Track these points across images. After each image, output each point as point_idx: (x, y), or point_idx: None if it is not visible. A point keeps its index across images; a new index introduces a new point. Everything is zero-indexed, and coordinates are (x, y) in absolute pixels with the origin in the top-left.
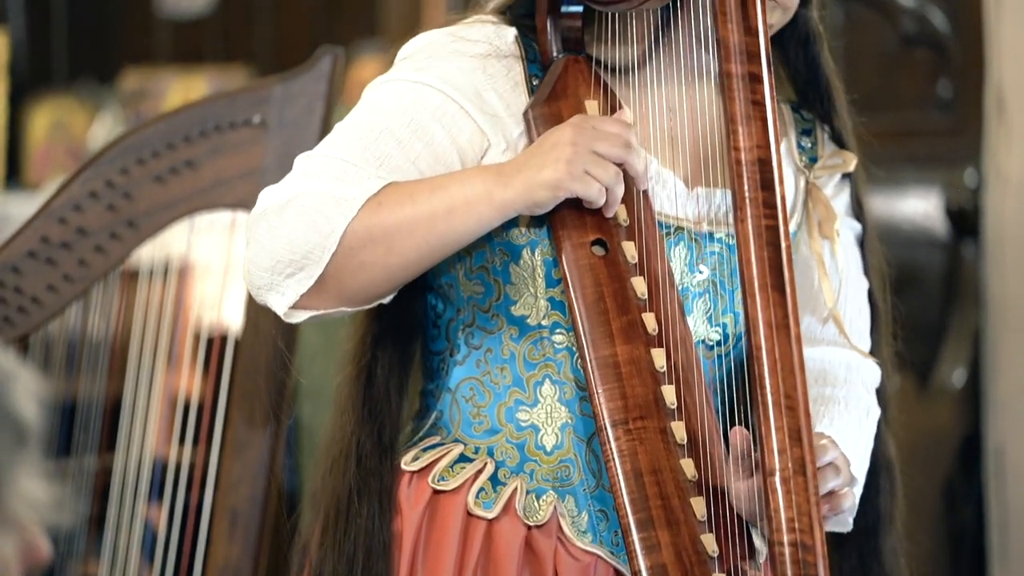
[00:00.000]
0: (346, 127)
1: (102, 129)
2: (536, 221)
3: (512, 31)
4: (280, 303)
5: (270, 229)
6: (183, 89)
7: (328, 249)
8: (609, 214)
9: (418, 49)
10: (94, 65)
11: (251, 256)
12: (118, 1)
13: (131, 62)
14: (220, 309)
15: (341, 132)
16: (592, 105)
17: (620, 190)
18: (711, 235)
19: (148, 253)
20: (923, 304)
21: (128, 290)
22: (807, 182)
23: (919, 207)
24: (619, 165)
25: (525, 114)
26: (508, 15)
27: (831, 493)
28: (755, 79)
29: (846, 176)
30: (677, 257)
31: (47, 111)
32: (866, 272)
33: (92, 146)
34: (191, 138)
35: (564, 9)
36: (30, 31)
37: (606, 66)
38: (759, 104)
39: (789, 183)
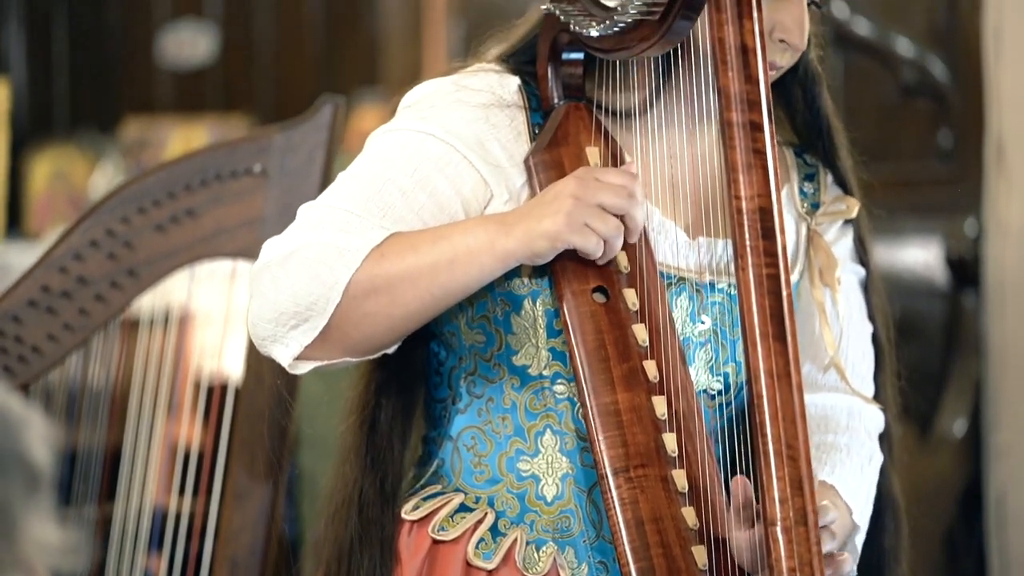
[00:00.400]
0: (349, 177)
1: (103, 178)
2: (537, 271)
3: (515, 80)
4: (284, 354)
5: (274, 280)
6: (184, 138)
7: (332, 300)
8: (602, 262)
9: (421, 98)
10: (95, 114)
11: (255, 308)
12: (120, 51)
13: (132, 111)
14: (221, 358)
15: (344, 182)
16: (593, 152)
17: (618, 243)
18: (713, 285)
19: (148, 302)
20: (924, 353)
21: (128, 339)
22: (809, 229)
23: (919, 256)
24: (620, 217)
25: (526, 161)
26: (511, 63)
27: (830, 556)
28: (756, 127)
29: (849, 220)
30: (679, 308)
31: (48, 160)
32: (870, 316)
33: (93, 195)
34: (192, 187)
35: (565, 56)
36: (31, 80)
37: (608, 112)
38: (760, 153)
39: (791, 230)
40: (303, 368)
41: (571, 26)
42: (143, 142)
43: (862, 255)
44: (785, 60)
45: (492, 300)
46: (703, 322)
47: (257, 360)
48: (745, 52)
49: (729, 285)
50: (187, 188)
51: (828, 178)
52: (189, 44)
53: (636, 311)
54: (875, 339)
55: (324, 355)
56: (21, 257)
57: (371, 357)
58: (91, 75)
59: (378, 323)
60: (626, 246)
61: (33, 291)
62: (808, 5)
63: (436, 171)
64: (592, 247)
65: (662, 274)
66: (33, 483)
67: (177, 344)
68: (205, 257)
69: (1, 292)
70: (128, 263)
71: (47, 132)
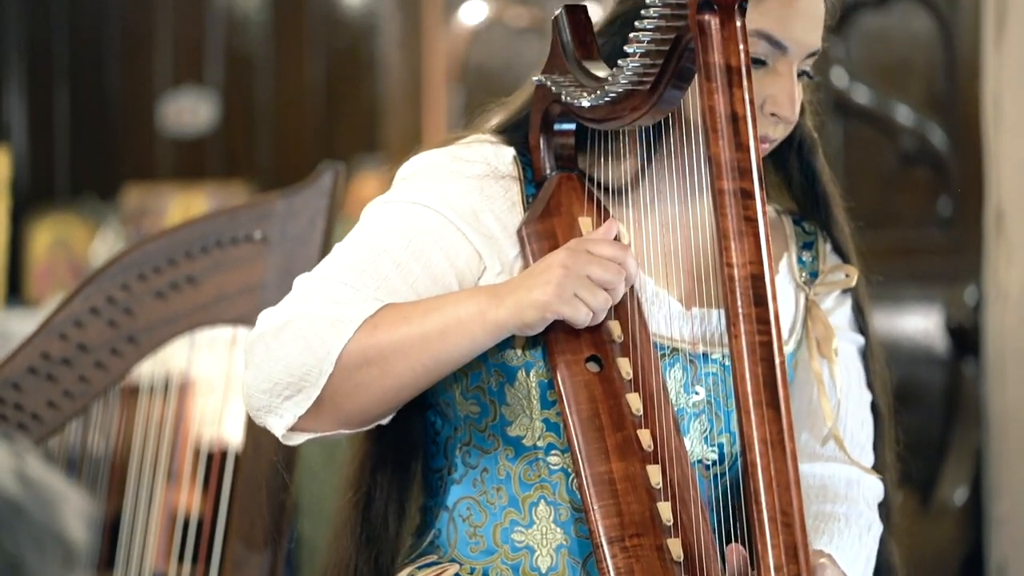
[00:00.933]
0: (345, 248)
1: (103, 245)
2: (531, 342)
3: (510, 151)
4: (278, 425)
5: (267, 351)
6: (183, 205)
7: (325, 372)
8: (588, 326)
9: (417, 170)
10: (96, 181)
11: (249, 378)
12: (121, 118)
13: (133, 178)
14: (220, 425)
15: (340, 253)
16: (586, 222)
17: (603, 315)
18: (707, 356)
19: (148, 369)
20: (924, 421)
21: (128, 406)
22: (807, 298)
23: (920, 324)
24: (608, 290)
25: (519, 231)
26: (507, 135)
27: None
28: (747, 195)
29: (848, 288)
30: (673, 379)
31: (49, 228)
32: (869, 384)
33: (93, 262)
34: (192, 254)
35: (557, 127)
36: (33, 147)
37: (600, 183)
38: (751, 220)
39: (789, 299)
40: (298, 439)
41: (562, 96)
42: (143, 209)
43: (861, 323)
44: (778, 133)
45: (486, 371)
46: (697, 393)
47: (256, 427)
48: (735, 120)
49: (724, 356)
50: (187, 255)
51: (827, 246)
52: (190, 111)
53: (630, 380)
54: (874, 408)
55: (318, 426)
56: (21, 324)
57: (366, 428)
58: (92, 142)
59: (371, 394)
60: (619, 315)
61: (33, 358)
62: (800, 76)
63: (431, 243)
64: (581, 318)
65: (656, 344)
66: (69, 561)
67: (177, 411)
68: (205, 324)
69: (1, 359)
70: (128, 330)
71: (48, 199)
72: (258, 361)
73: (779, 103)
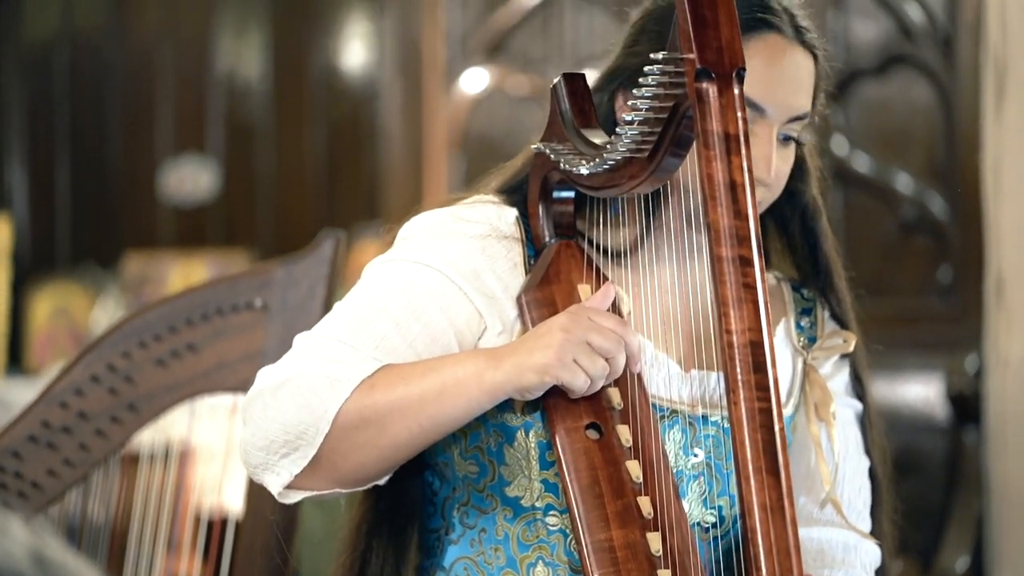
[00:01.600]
0: (345, 307)
1: (104, 314)
2: (530, 404)
3: (513, 212)
4: (275, 483)
5: (265, 409)
6: (183, 273)
7: (321, 430)
8: (587, 394)
9: (419, 230)
10: (96, 250)
11: (247, 436)
12: (122, 186)
13: (134, 246)
14: (220, 493)
15: (339, 312)
16: (585, 289)
17: (601, 383)
18: (706, 418)
19: (149, 437)
20: (925, 490)
21: (128, 474)
22: (805, 363)
23: (920, 392)
24: (607, 360)
25: (518, 299)
26: (507, 196)
27: None
28: (746, 262)
29: (846, 354)
30: (672, 440)
31: (49, 296)
32: (867, 450)
33: (94, 330)
34: (193, 321)
35: (556, 195)
36: (34, 216)
37: (600, 248)
38: (750, 287)
39: (787, 364)
40: (294, 497)
41: (561, 164)
42: (144, 277)
43: (859, 390)
44: (760, 196)
45: (485, 431)
46: (696, 455)
47: (257, 495)
48: (734, 188)
49: (723, 418)
50: (188, 322)
51: (825, 313)
52: (191, 179)
53: (629, 447)
54: (872, 474)
55: (315, 485)
56: (22, 393)
57: (362, 488)
58: (93, 210)
59: (367, 454)
60: (619, 381)
61: (34, 426)
62: (787, 140)
63: (431, 302)
64: (579, 384)
65: (655, 406)
66: None
67: (177, 479)
68: (206, 391)
69: (1, 428)
70: (129, 398)
71: (49, 268)
72: (256, 419)
73: (756, 165)
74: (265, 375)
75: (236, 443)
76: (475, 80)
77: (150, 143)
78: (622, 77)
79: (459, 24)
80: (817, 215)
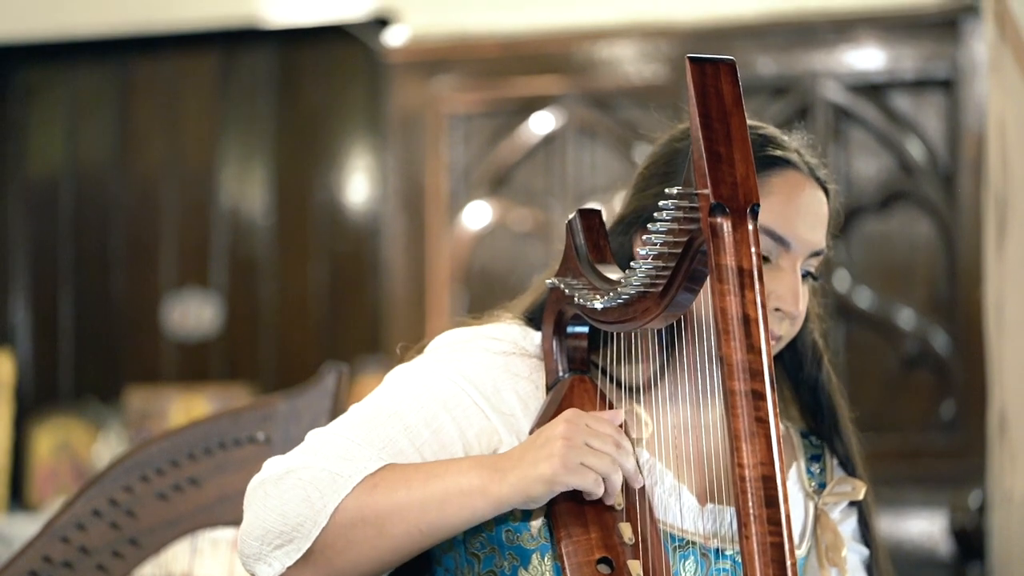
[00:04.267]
0: (359, 408)
1: (105, 448)
2: (547, 527)
3: (538, 335)
4: (266, 574)
5: (265, 498)
6: (185, 408)
7: (318, 524)
8: (610, 502)
9: (443, 344)
10: (98, 384)
11: (245, 524)
12: (124, 321)
13: (136, 381)
14: None
15: (353, 412)
16: None
17: (617, 478)
18: (720, 552)
19: (150, 571)
20: None
21: None
22: (816, 507)
23: (924, 528)
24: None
25: (531, 432)
26: (531, 323)
27: None
28: (758, 396)
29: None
30: (686, 572)
31: (51, 431)
32: None
33: (96, 465)
34: (195, 455)
35: (570, 329)
36: (36, 351)
37: (617, 383)
38: (763, 421)
39: (799, 508)
40: None
41: (575, 299)
42: (145, 412)
43: (866, 536)
44: (784, 329)
45: (500, 554)
46: None
47: None
48: (747, 322)
49: (737, 553)
50: (191, 456)
51: (834, 460)
52: (194, 314)
53: None
54: None
55: None
56: (23, 528)
57: None
58: (96, 345)
59: (363, 553)
60: (631, 516)
61: (35, 562)
62: (804, 276)
63: (443, 410)
64: (591, 485)
65: (672, 536)
66: None
67: None
68: (208, 525)
69: (2, 563)
70: (130, 532)
71: (51, 402)
72: (255, 507)
73: (784, 299)
74: (271, 465)
75: None
76: (478, 214)
77: (153, 277)
78: (640, 219)
79: (462, 158)
80: (820, 358)
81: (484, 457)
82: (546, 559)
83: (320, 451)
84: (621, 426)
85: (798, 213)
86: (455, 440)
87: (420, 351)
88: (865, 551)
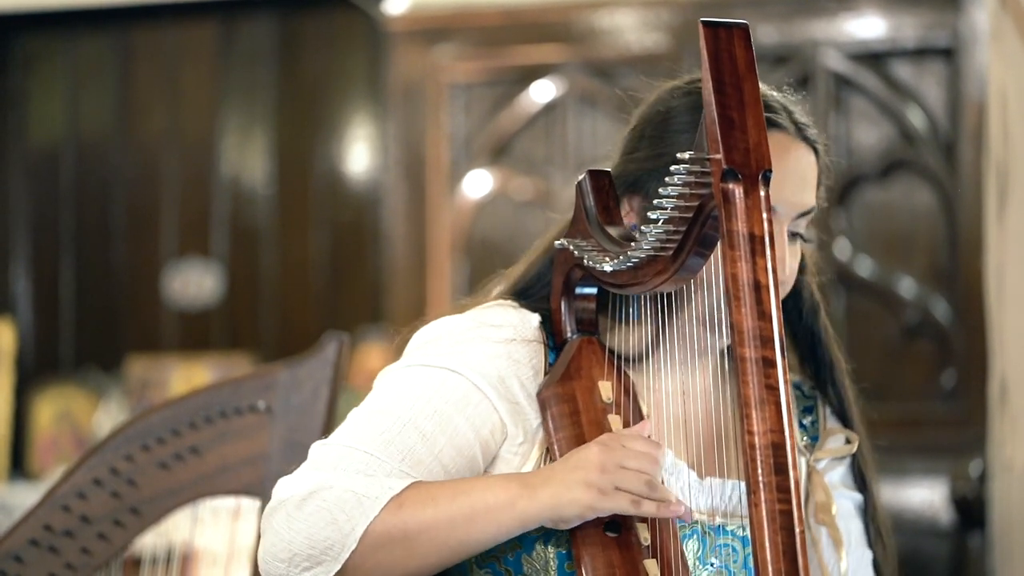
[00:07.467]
0: (367, 416)
1: (106, 417)
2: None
3: (536, 317)
4: None
5: (289, 521)
6: (185, 377)
7: (348, 547)
8: (644, 515)
9: (440, 335)
10: (99, 354)
11: (268, 546)
12: (126, 290)
13: (137, 350)
14: None
15: (362, 421)
16: (606, 386)
17: (655, 495)
18: (722, 527)
19: (151, 540)
20: None
21: None
22: (807, 464)
23: (924, 496)
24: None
25: (539, 394)
26: (524, 300)
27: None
28: (769, 363)
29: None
30: (688, 551)
31: (52, 400)
32: (870, 544)
33: (97, 434)
34: (196, 424)
35: (578, 291)
36: (37, 320)
37: (616, 351)
38: (773, 388)
39: None
40: None
41: (584, 261)
42: (146, 381)
43: (859, 482)
44: None
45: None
46: (712, 564)
47: None
48: (758, 289)
49: (739, 527)
50: (191, 425)
51: (827, 410)
52: (195, 283)
53: (647, 547)
54: (876, 566)
55: None
56: (24, 497)
57: None
58: (96, 314)
59: (392, 572)
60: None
61: (35, 530)
62: (794, 237)
63: (457, 412)
64: (627, 507)
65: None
66: None
67: None
68: (209, 494)
69: (3, 532)
70: (131, 501)
71: (52, 371)
72: (278, 529)
73: None
74: (287, 485)
75: (239, 547)
76: (478, 183)
77: (154, 247)
78: (625, 184)
79: (462, 127)
80: (817, 310)
81: (512, 475)
82: (549, 546)
83: (338, 468)
84: (635, 404)
85: (784, 177)
86: (472, 443)
87: (413, 330)
88: (859, 497)
